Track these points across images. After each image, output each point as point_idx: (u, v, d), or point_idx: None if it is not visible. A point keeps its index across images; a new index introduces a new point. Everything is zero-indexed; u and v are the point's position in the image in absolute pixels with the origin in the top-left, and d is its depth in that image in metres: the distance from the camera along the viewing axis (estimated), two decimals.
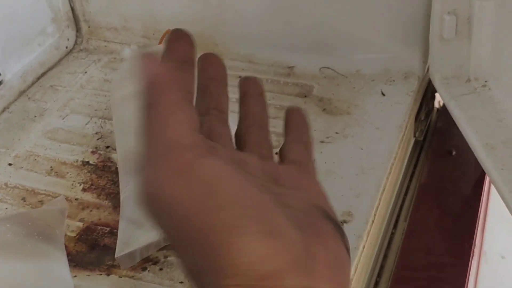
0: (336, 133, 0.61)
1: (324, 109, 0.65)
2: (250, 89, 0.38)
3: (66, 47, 0.80)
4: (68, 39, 0.80)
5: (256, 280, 0.24)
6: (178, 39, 0.33)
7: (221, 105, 0.36)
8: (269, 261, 0.24)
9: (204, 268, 0.24)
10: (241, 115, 0.36)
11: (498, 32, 0.55)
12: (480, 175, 0.62)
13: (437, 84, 0.60)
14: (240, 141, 0.35)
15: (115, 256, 0.49)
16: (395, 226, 0.61)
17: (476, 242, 0.58)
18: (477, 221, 0.59)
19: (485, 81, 0.58)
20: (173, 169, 0.24)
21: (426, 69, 0.66)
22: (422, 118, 0.67)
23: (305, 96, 0.67)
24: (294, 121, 0.38)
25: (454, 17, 0.57)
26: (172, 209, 0.24)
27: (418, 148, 0.69)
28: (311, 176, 0.33)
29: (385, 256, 0.58)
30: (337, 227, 0.29)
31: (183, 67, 0.32)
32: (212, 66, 0.37)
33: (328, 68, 0.70)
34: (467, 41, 0.58)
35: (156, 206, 0.25)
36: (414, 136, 0.67)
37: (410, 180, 0.66)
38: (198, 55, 0.78)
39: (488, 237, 0.88)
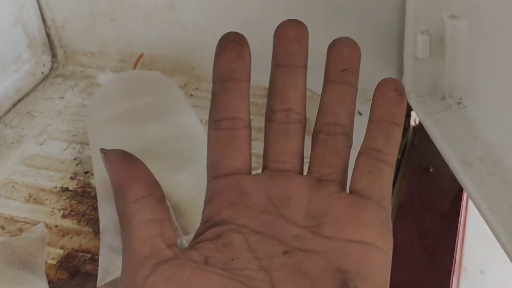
0: None
1: None
2: (338, 64, 0.32)
3: (42, 73, 0.80)
4: (44, 65, 0.80)
5: None
6: (221, 51, 0.32)
7: (287, 102, 0.32)
8: None
9: None
10: (319, 107, 0.32)
11: (471, 51, 0.56)
12: (457, 191, 0.63)
13: (412, 102, 0.61)
14: (312, 150, 0.32)
15: (97, 285, 0.49)
16: None
17: (456, 259, 0.59)
18: (457, 237, 0.60)
19: (460, 99, 0.59)
20: (127, 286, 0.27)
21: None
22: None
23: None
24: (382, 127, 0.31)
25: (427, 37, 0.57)
26: None
27: (396, 165, 0.69)
28: (370, 216, 0.29)
29: None
30: None
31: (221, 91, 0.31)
32: (282, 45, 0.33)
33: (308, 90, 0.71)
34: (441, 59, 0.59)
35: None
36: None
37: None
38: (178, 76, 0.77)
39: (467, 252, 0.89)
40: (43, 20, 0.79)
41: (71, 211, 0.58)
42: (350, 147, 0.32)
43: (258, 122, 0.70)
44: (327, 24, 0.68)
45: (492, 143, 0.54)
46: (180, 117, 0.58)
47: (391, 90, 0.32)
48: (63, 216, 0.57)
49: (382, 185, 0.30)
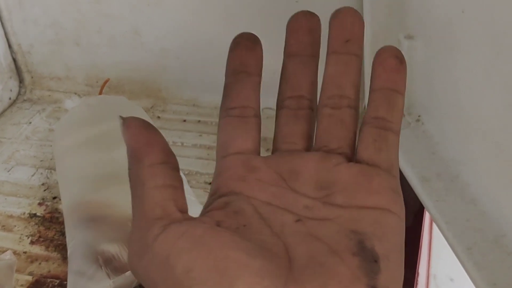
0: None
1: (267, 149, 0.67)
2: (340, 34, 0.32)
3: (10, 98, 0.80)
4: (11, 90, 0.80)
5: None
6: (235, 47, 0.33)
7: (297, 89, 0.32)
8: None
9: None
10: (323, 80, 0.32)
11: (427, 69, 0.58)
12: (420, 205, 0.65)
13: None
14: (317, 125, 0.31)
15: None
16: None
17: (420, 271, 0.61)
18: (420, 250, 0.61)
19: (419, 116, 0.61)
20: (137, 247, 0.26)
21: (363, 106, 0.69)
22: None
23: None
24: (385, 95, 0.31)
25: None
26: (142, 282, 0.26)
27: None
28: (381, 182, 0.29)
29: None
30: (367, 262, 0.26)
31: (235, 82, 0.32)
32: (294, 35, 0.33)
33: (270, 108, 0.72)
34: None
35: (135, 275, 0.27)
36: None
37: None
38: (145, 99, 0.78)
39: (437, 261, 0.91)
40: (9, 46, 0.80)
41: (40, 237, 0.58)
42: (357, 120, 0.31)
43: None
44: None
45: (449, 158, 0.55)
46: None
47: (391, 57, 0.31)
48: (32, 243, 0.58)
49: (389, 153, 0.30)
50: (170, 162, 0.28)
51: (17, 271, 0.54)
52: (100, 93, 0.67)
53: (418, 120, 0.61)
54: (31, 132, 0.74)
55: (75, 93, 0.79)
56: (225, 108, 0.32)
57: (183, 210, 0.27)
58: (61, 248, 0.57)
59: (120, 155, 0.57)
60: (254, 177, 0.30)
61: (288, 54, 0.33)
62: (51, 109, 0.78)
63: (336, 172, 0.29)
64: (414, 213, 0.66)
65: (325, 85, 0.32)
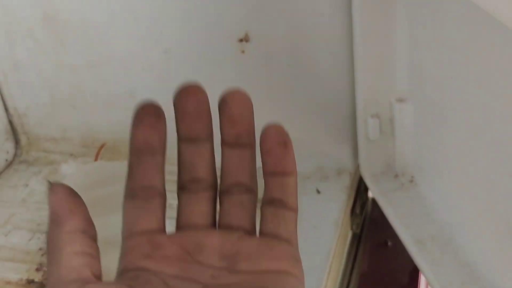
0: None
1: None
2: (231, 129, 0.33)
3: (6, 160, 0.80)
4: (7, 152, 0.81)
5: None
6: (138, 123, 0.33)
7: (195, 172, 0.33)
8: None
9: None
10: (221, 170, 0.33)
11: (418, 131, 0.59)
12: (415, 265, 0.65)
13: (367, 181, 0.64)
14: (219, 208, 0.33)
15: None
16: None
17: None
18: None
19: (412, 177, 0.61)
20: None
21: (357, 165, 0.70)
22: (358, 211, 0.70)
23: None
24: (276, 180, 0.32)
25: (377, 120, 0.60)
26: None
27: (356, 240, 0.72)
28: (282, 250, 0.31)
29: None
30: None
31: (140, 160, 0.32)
32: (184, 120, 0.33)
33: None
34: (391, 140, 0.61)
35: None
36: (351, 229, 0.70)
37: (351, 272, 0.68)
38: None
39: None
40: (6, 109, 0.80)
41: None
42: (255, 201, 0.33)
43: None
44: (282, 106, 0.71)
45: (443, 220, 0.56)
46: None
47: (275, 145, 0.32)
48: None
49: (288, 227, 0.32)
50: (89, 231, 0.29)
51: None
52: (96, 158, 0.67)
53: (411, 181, 0.61)
54: (28, 195, 0.74)
55: (71, 154, 0.80)
56: (129, 189, 0.32)
57: (98, 276, 0.29)
58: None
59: (115, 220, 0.57)
60: (160, 253, 0.31)
61: (180, 138, 0.33)
62: (47, 171, 0.78)
63: (239, 244, 0.31)
64: (410, 272, 0.66)
65: (223, 175, 0.33)
